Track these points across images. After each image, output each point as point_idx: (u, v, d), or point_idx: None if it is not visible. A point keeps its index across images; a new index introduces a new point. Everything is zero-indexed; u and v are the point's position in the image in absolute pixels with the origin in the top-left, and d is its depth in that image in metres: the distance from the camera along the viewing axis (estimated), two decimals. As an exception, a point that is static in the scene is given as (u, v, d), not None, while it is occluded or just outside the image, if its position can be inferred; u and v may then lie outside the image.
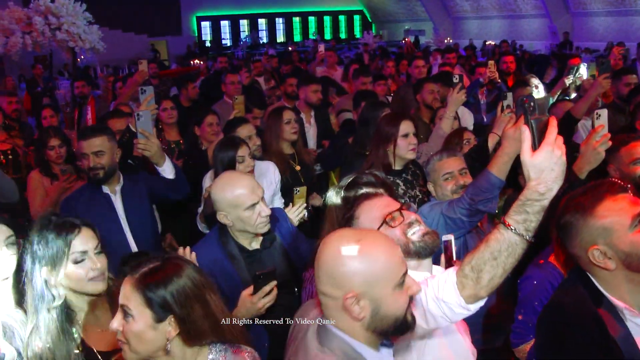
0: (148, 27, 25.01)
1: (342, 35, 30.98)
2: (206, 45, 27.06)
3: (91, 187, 3.50)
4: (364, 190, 2.35)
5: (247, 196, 2.61)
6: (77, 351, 2.10)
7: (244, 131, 4.06)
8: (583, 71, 4.37)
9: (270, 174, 4.09)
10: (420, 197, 3.52)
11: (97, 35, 13.92)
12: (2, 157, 5.28)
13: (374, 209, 2.08)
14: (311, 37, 28.64)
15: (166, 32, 25.80)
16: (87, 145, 3.37)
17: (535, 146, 1.61)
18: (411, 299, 1.62)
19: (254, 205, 2.62)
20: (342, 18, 32.06)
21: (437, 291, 1.78)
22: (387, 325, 1.58)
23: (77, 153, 3.55)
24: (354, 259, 1.54)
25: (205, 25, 28.18)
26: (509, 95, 3.39)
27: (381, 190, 2.36)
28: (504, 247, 1.64)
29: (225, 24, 28.75)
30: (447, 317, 1.80)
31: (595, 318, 1.74)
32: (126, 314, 1.69)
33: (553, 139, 1.59)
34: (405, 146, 3.52)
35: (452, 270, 1.78)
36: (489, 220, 3.26)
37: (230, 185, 2.65)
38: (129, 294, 1.70)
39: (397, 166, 3.58)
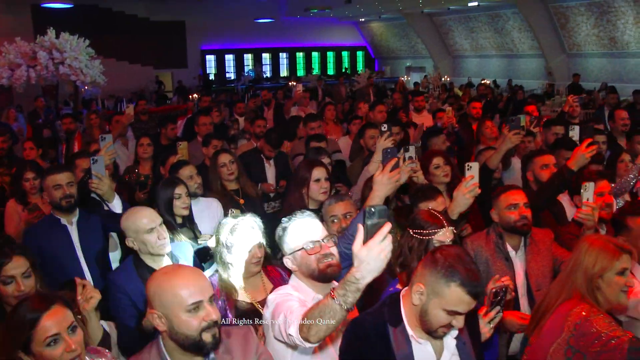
0: (154, 59, 25.72)
1: (346, 71, 31.54)
2: (210, 78, 27.64)
3: (51, 219, 4.04)
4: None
5: (147, 223, 3.22)
6: None
7: (186, 172, 4.52)
8: (522, 122, 4.75)
9: (213, 209, 4.56)
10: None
11: (98, 70, 14.52)
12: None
13: (303, 231, 2.62)
14: (314, 72, 29.24)
15: (171, 64, 26.47)
16: (62, 177, 3.97)
17: (366, 242, 1.95)
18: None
19: (152, 229, 3.20)
20: (345, 54, 32.66)
21: (288, 323, 2.27)
22: (182, 341, 2.06)
23: (47, 186, 4.00)
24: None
25: (210, 58, 28.87)
26: (412, 147, 3.77)
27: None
28: (327, 311, 2.06)
29: (229, 58, 29.43)
30: (291, 343, 2.31)
31: (384, 336, 2.29)
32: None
33: (377, 241, 1.92)
34: (317, 189, 3.98)
35: (301, 314, 2.22)
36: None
37: (133, 214, 3.29)
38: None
39: (312, 206, 4.00)
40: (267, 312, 2.58)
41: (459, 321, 2.23)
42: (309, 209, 4.01)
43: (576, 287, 2.68)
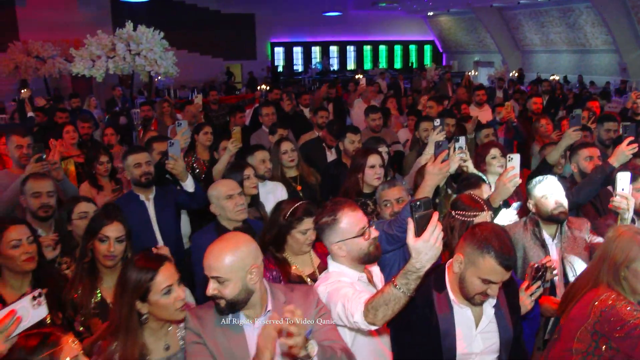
0: (224, 51, 26.44)
1: (413, 65, 31.46)
2: (278, 70, 28.14)
3: (130, 195, 4.49)
4: None
5: (226, 191, 3.76)
6: None
7: (259, 156, 4.84)
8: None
9: (278, 192, 4.91)
10: None
11: (171, 61, 15.19)
12: (79, 168, 6.29)
13: (355, 219, 2.80)
14: (381, 66, 29.31)
15: (241, 56, 27.13)
16: (141, 157, 4.41)
17: (418, 234, 2.15)
18: None
19: (231, 196, 3.71)
20: (412, 48, 32.57)
21: (351, 310, 2.50)
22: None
23: (128, 164, 4.43)
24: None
25: (279, 51, 29.40)
26: (462, 139, 4.00)
27: None
28: (392, 298, 2.30)
29: (297, 50, 29.89)
30: (355, 327, 2.55)
31: (428, 300, 2.59)
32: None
33: (431, 231, 2.13)
34: (371, 175, 4.27)
35: (362, 301, 2.47)
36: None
37: (217, 183, 3.91)
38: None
39: (366, 190, 4.36)
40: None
41: (493, 290, 2.48)
42: (363, 193, 4.37)
43: (603, 276, 2.82)
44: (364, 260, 2.81)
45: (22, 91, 12.29)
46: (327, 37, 29.69)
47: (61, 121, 8.06)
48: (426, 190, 3.36)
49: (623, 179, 3.61)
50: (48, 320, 2.61)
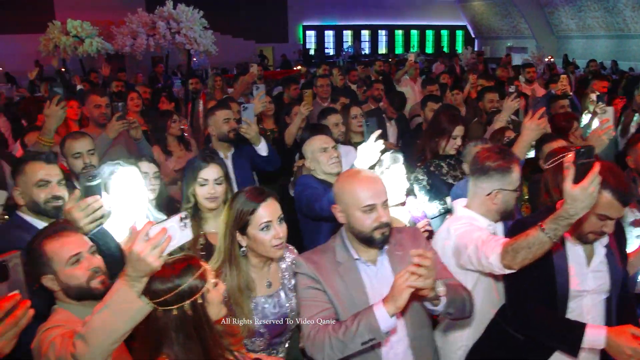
0: (256, 33, 26.46)
1: (445, 50, 31.20)
2: (310, 53, 28.10)
3: (212, 151, 4.50)
4: None
5: (321, 144, 3.87)
6: None
7: (333, 119, 4.89)
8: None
9: (351, 156, 4.88)
10: (461, 177, 4.33)
11: (210, 40, 15.35)
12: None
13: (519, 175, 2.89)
14: (412, 50, 29.11)
15: (273, 39, 27.14)
16: (228, 113, 4.60)
17: (576, 180, 2.17)
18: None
19: (325, 149, 3.89)
20: (444, 33, 32.32)
21: (486, 252, 2.55)
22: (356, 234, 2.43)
23: (215, 120, 4.57)
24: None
25: (311, 34, 29.36)
26: (513, 87, 4.03)
27: None
28: (537, 242, 2.33)
29: (329, 34, 29.83)
30: (487, 269, 2.61)
31: None
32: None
33: (591, 179, 2.14)
34: (451, 145, 4.37)
35: (500, 244, 2.51)
36: (517, 203, 3.88)
37: (311, 139, 3.97)
38: None
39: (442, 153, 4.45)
40: (444, 242, 2.87)
41: (609, 226, 2.51)
42: (439, 155, 4.41)
43: None
44: (503, 215, 2.91)
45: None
46: (359, 20, 29.54)
47: (117, 90, 8.17)
48: (523, 145, 3.48)
49: None
50: None
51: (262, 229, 2.56)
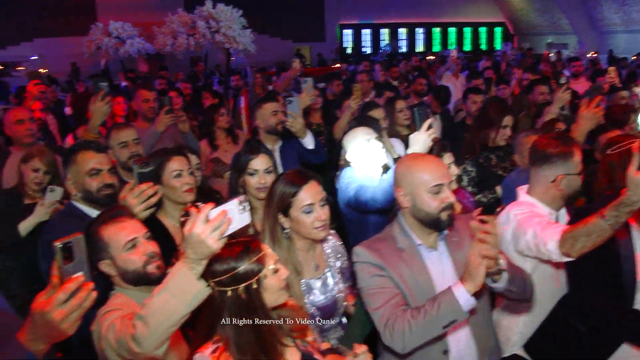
0: (293, 33, 26.58)
1: (483, 47, 30.85)
2: (347, 52, 28.09)
3: (258, 143, 4.50)
4: None
5: (364, 135, 3.80)
6: None
7: (376, 113, 4.85)
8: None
9: (396, 148, 4.89)
10: (510, 168, 4.30)
11: (249, 39, 15.44)
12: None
13: (580, 159, 2.86)
14: (450, 47, 28.84)
15: (310, 38, 27.21)
16: (278, 105, 4.59)
17: None
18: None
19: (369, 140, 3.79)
20: (482, 30, 31.92)
21: (544, 238, 2.52)
22: (422, 217, 2.39)
23: (262, 113, 4.57)
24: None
25: (348, 33, 29.34)
26: (564, 79, 3.96)
27: None
28: (596, 229, 2.30)
29: (366, 33, 29.77)
30: (545, 256, 2.58)
31: None
32: None
33: None
34: (501, 135, 4.34)
35: (559, 230, 2.48)
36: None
37: (353, 131, 3.92)
38: None
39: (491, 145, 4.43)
40: (502, 227, 2.81)
41: None
42: (487, 147, 4.37)
43: None
44: (566, 200, 2.89)
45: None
46: (396, 18, 29.40)
47: (160, 87, 8.30)
48: (578, 134, 3.48)
49: None
50: None
51: (305, 211, 2.58)
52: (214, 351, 1.97)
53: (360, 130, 3.93)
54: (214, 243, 1.72)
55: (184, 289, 1.76)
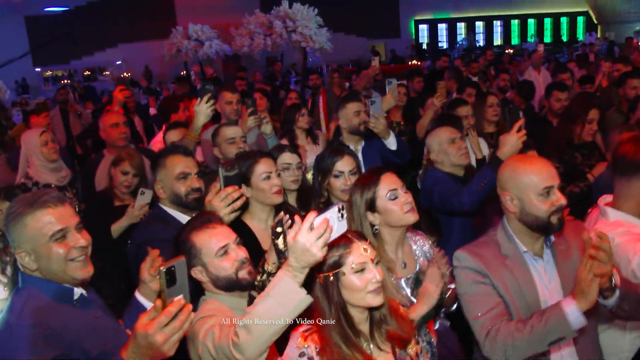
0: (368, 30, 26.48)
1: (564, 38, 29.72)
2: (423, 47, 27.72)
3: (340, 144, 4.53)
4: None
5: (449, 135, 3.83)
6: None
7: (463, 111, 4.77)
8: None
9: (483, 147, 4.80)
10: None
11: (325, 37, 15.51)
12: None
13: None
14: (529, 40, 27.99)
15: (385, 34, 27.03)
16: (360, 105, 4.53)
17: None
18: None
19: (454, 140, 3.79)
20: (563, 20, 30.71)
21: None
22: (531, 222, 2.28)
23: (345, 113, 4.53)
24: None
25: (423, 28, 28.94)
26: None
27: None
28: None
29: (442, 27, 29.27)
30: None
31: None
32: None
33: None
34: (587, 131, 4.19)
35: None
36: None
37: (436, 130, 3.92)
38: None
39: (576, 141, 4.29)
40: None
41: None
42: (573, 145, 4.26)
43: None
44: None
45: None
46: (472, 12, 28.76)
47: (240, 88, 8.42)
48: None
49: None
50: None
51: (390, 198, 2.59)
52: (305, 330, 2.07)
53: (443, 130, 3.84)
54: (319, 251, 1.75)
55: (287, 297, 1.79)
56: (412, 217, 2.61)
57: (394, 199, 2.59)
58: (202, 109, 3.79)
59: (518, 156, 2.52)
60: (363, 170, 4.42)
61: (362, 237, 2.15)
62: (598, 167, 4.09)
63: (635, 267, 2.38)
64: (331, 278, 2.05)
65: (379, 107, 4.36)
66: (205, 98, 3.77)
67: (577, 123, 4.22)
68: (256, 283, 2.46)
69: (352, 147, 4.46)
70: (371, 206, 2.62)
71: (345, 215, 1.87)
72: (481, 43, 29.36)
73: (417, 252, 2.80)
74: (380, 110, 4.39)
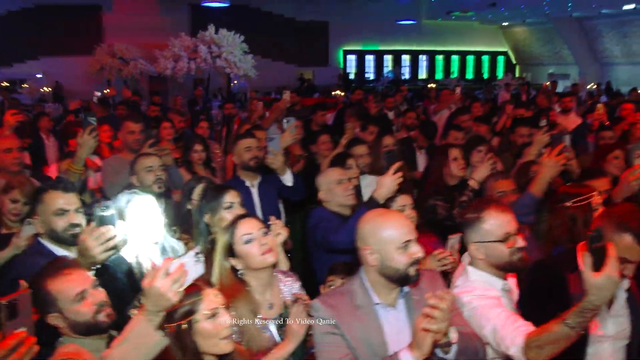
0: (297, 57, 26.82)
1: (485, 76, 31.03)
2: (350, 77, 28.27)
3: (235, 180, 4.66)
4: None
5: (337, 177, 3.93)
6: None
7: (358, 150, 4.94)
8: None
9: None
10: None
11: (250, 64, 15.69)
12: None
13: (500, 222, 2.65)
14: (451, 76, 29.05)
15: (314, 62, 27.44)
16: (253, 141, 4.66)
17: (596, 268, 2.04)
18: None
19: (341, 181, 3.94)
20: (485, 58, 32.10)
21: (505, 341, 2.39)
22: (391, 274, 2.37)
23: (238, 149, 4.65)
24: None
25: (351, 58, 29.56)
26: (567, 137, 4.04)
27: None
28: (562, 337, 2.18)
29: (370, 59, 29.99)
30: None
31: (562, 280, 2.62)
32: None
33: (612, 266, 2.02)
34: (455, 167, 4.47)
35: (522, 332, 2.35)
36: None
37: (326, 172, 4.08)
38: None
39: (452, 182, 4.58)
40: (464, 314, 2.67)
41: (629, 269, 2.48)
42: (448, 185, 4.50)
43: None
44: (503, 268, 2.67)
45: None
46: (399, 45, 29.64)
47: (154, 114, 8.39)
48: (542, 182, 3.49)
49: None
50: None
51: (245, 241, 2.68)
52: None
53: (332, 171, 4.00)
54: (174, 296, 1.84)
55: (143, 340, 1.85)
56: (270, 258, 2.68)
57: (249, 242, 2.67)
58: (85, 141, 3.80)
59: (377, 211, 2.59)
60: (258, 207, 4.54)
61: (209, 284, 2.22)
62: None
63: (487, 335, 2.46)
64: (184, 326, 2.09)
65: (277, 144, 4.47)
66: (88, 130, 3.79)
67: (444, 164, 4.54)
68: None
69: (247, 182, 4.56)
70: (230, 251, 2.70)
71: (202, 259, 1.95)
72: (407, 76, 30.26)
73: (286, 292, 2.87)
74: (278, 147, 4.50)
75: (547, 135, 4.74)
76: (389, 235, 2.36)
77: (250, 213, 2.86)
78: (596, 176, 3.91)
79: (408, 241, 2.35)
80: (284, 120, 5.10)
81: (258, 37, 23.80)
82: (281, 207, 5.23)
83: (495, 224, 2.60)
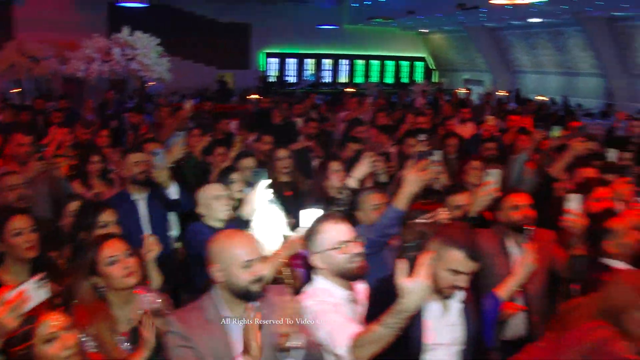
0: (217, 59, 26.63)
1: (404, 80, 31.78)
2: (270, 80, 28.34)
3: (122, 194, 4.73)
4: None
5: (215, 192, 4.11)
6: None
7: (245, 163, 5.17)
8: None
9: None
10: None
11: (165, 67, 15.55)
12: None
13: (334, 232, 2.90)
14: (370, 80, 29.64)
15: (234, 65, 27.34)
16: (142, 156, 4.75)
17: (410, 274, 2.26)
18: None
19: (219, 197, 4.10)
20: (404, 63, 32.90)
21: (336, 343, 2.59)
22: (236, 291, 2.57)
23: (127, 162, 4.72)
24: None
25: (273, 61, 29.62)
26: (437, 152, 4.37)
27: None
28: (380, 337, 2.36)
29: (291, 62, 30.16)
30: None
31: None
32: None
33: (422, 273, 2.25)
34: (335, 178, 4.74)
35: (349, 335, 2.54)
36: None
37: (204, 188, 4.24)
38: None
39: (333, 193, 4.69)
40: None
41: (462, 280, 2.76)
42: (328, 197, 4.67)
43: (600, 315, 2.75)
44: (343, 276, 2.89)
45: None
46: (321, 49, 29.97)
47: (57, 121, 8.28)
48: (403, 196, 3.48)
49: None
50: None
51: (109, 263, 2.82)
52: None
53: (210, 186, 4.18)
54: (11, 323, 1.93)
55: None
56: (132, 281, 2.86)
57: (112, 264, 2.82)
58: None
59: (227, 231, 2.79)
60: (147, 219, 4.64)
61: (51, 307, 2.33)
62: None
63: (322, 337, 2.68)
64: (23, 351, 2.14)
65: (161, 159, 4.58)
66: None
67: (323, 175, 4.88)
68: None
69: (136, 195, 4.66)
70: (92, 270, 2.83)
71: (47, 284, 2.07)
72: (328, 79, 30.63)
73: (146, 307, 3.03)
74: (164, 162, 4.61)
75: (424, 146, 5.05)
76: (234, 255, 2.57)
77: (114, 234, 2.97)
78: (457, 191, 4.23)
79: (251, 260, 2.56)
80: (174, 134, 5.20)
81: (179, 37, 23.54)
82: (175, 219, 5.36)
83: (330, 233, 2.86)
